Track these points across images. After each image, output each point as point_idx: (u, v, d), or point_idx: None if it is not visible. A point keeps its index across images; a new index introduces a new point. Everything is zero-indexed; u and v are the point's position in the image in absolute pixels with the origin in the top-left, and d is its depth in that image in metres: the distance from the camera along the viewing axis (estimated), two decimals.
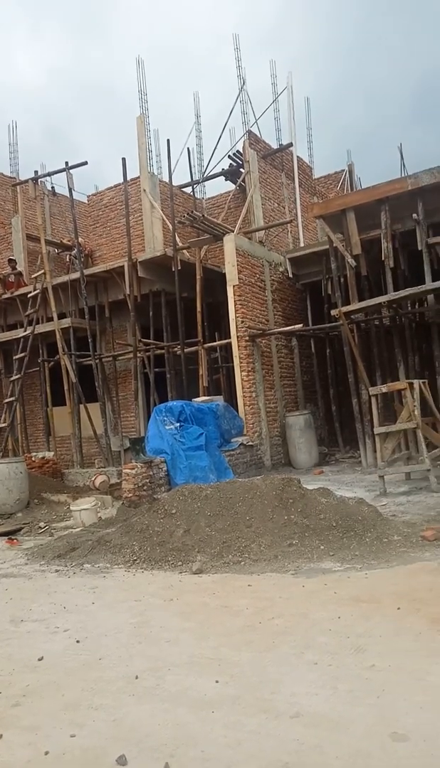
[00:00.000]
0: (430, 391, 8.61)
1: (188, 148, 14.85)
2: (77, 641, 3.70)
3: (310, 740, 2.34)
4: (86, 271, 12.57)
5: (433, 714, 2.44)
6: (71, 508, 8.16)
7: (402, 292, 9.13)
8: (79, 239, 13.17)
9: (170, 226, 11.99)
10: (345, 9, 54.07)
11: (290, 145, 14.71)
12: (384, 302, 9.27)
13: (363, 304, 9.54)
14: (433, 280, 9.41)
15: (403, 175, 11.89)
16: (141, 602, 4.40)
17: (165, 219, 12.50)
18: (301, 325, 11.78)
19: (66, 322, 12.91)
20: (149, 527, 5.91)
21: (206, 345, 11.70)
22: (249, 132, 13.71)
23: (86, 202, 14.88)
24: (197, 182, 14.92)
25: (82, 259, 13.01)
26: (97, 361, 12.68)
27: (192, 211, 11.93)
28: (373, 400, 8.20)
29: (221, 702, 2.74)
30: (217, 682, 2.94)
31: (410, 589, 3.96)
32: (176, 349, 11.96)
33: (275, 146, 14.59)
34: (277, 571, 4.79)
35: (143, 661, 3.29)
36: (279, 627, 3.59)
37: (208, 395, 10.99)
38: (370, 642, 3.21)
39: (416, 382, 7.97)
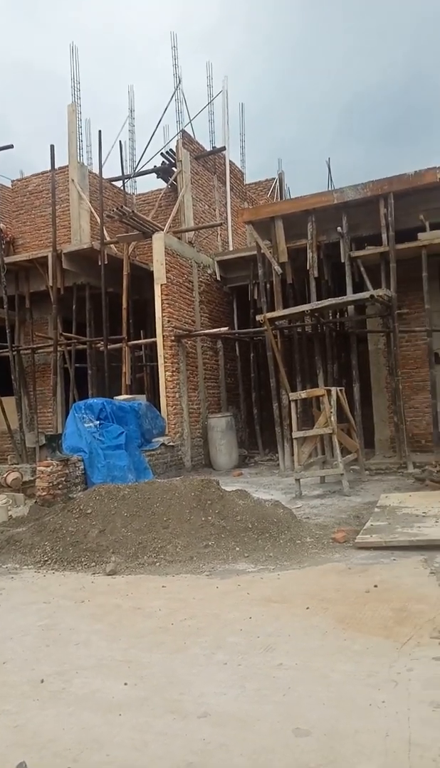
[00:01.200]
0: (347, 398, 8.97)
1: (120, 142, 14.66)
2: None
3: (216, 739, 2.36)
4: (7, 259, 12.05)
5: (335, 709, 2.53)
6: None
7: (325, 302, 9.45)
8: (1, 224, 12.62)
9: (98, 219, 11.75)
10: (283, 25, 55.38)
11: (224, 148, 14.85)
12: (307, 311, 9.55)
13: (287, 311, 9.78)
14: (354, 292, 9.81)
15: (330, 189, 12.32)
16: (51, 604, 4.27)
17: (93, 211, 12.24)
18: (227, 328, 11.92)
19: None
20: (63, 527, 5.75)
21: (130, 342, 11.55)
22: (183, 132, 13.70)
23: (10, 187, 14.27)
24: (128, 177, 14.73)
25: (3, 246, 12.46)
26: (14, 353, 12.18)
27: (122, 206, 11.75)
28: (293, 405, 8.42)
29: (129, 704, 2.71)
30: (126, 684, 2.91)
31: (319, 590, 4.09)
32: (99, 345, 11.73)
33: (208, 148, 14.67)
34: (192, 572, 4.80)
35: (49, 665, 3.20)
36: (191, 628, 3.60)
37: (130, 394, 10.85)
38: (279, 641, 3.29)
39: (334, 390, 8.27)
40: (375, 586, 4.03)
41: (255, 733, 2.39)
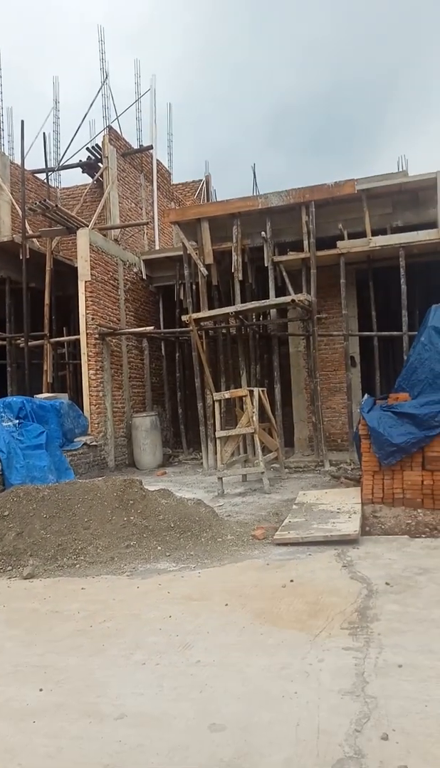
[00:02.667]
0: (268, 398, 9.20)
1: (44, 133, 14.20)
2: None
3: (133, 740, 2.38)
4: None
5: (250, 703, 2.62)
6: None
7: (248, 305, 9.64)
8: None
9: (20, 212, 11.35)
10: (213, 31, 55.76)
11: (151, 147, 14.76)
12: (232, 312, 9.70)
13: (212, 312, 9.89)
14: (277, 296, 10.08)
15: (255, 194, 12.55)
16: None
17: (15, 203, 11.80)
18: (152, 328, 11.86)
19: None
20: None
21: (52, 339, 11.25)
22: (110, 127, 13.49)
23: None
24: (52, 170, 14.31)
25: None
26: None
27: (45, 200, 11.42)
28: (217, 405, 8.53)
29: (44, 710, 2.67)
30: (41, 690, 2.86)
31: (238, 586, 4.19)
32: (19, 341, 11.34)
33: (136, 146, 14.53)
34: (113, 573, 4.77)
35: None
36: (110, 629, 3.58)
37: (52, 392, 10.57)
38: (198, 639, 3.34)
39: (256, 390, 8.46)
40: (292, 580, 4.18)
41: (172, 731, 2.43)
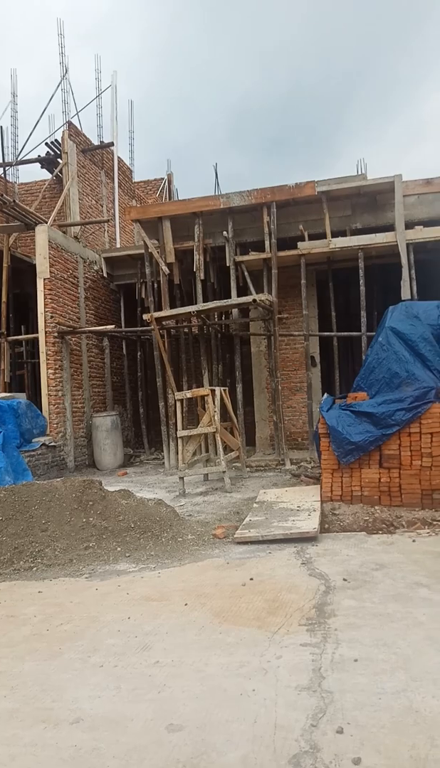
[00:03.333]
0: (230, 397, 9.22)
1: (1, 127, 13.87)
2: None
3: (88, 744, 2.35)
4: None
5: (208, 702, 2.61)
6: None
7: (210, 304, 9.65)
8: None
9: None
10: (174, 30, 55.57)
11: (112, 144, 14.60)
12: (194, 312, 9.69)
13: (174, 311, 9.85)
14: (238, 296, 10.12)
15: (217, 193, 12.57)
16: None
17: None
18: (113, 326, 11.74)
19: None
20: None
21: (10, 338, 11.00)
22: (69, 123, 13.28)
23: None
24: (10, 164, 13.98)
25: None
26: None
27: (2, 195, 11.14)
28: (178, 404, 8.50)
29: None
30: None
31: (198, 585, 4.19)
32: None
33: (96, 142, 14.35)
34: (71, 576, 4.69)
35: None
36: (67, 633, 3.52)
37: (9, 392, 10.33)
38: (156, 639, 3.32)
39: (218, 389, 8.47)
40: (251, 579, 4.20)
41: (128, 734, 2.41)
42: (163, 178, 17.43)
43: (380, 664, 2.85)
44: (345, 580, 4.06)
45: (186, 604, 3.82)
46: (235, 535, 5.32)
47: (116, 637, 3.39)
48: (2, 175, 13.78)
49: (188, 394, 8.58)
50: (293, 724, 2.37)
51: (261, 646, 3.12)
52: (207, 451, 9.89)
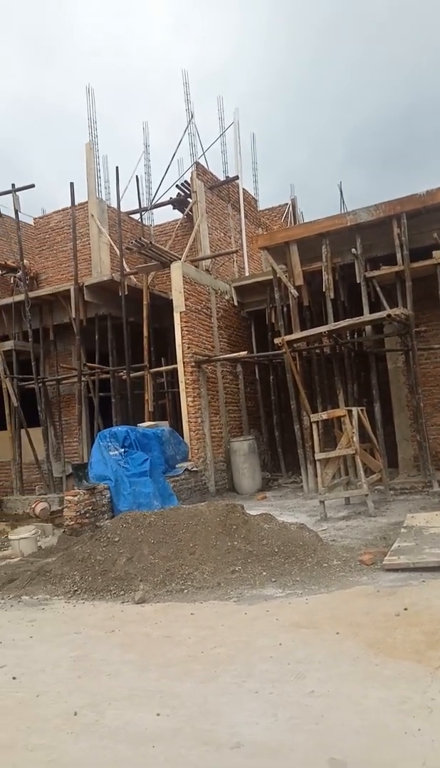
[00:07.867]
0: (368, 417, 8.93)
1: (136, 176, 15.04)
2: (14, 678, 3.57)
3: None
4: (31, 294, 12.38)
5: (369, 738, 2.51)
6: (9, 537, 7.88)
7: (342, 323, 9.49)
8: (25, 261, 12.99)
9: (118, 252, 12.04)
10: (292, 59, 56.76)
11: (237, 177, 15.14)
12: (325, 332, 9.59)
13: (305, 333, 9.83)
14: (371, 312, 9.84)
15: (343, 212, 12.44)
16: (81, 634, 4.30)
17: (113, 244, 12.55)
18: (246, 352, 12.00)
19: (9, 345, 12.62)
20: (91, 556, 5.80)
21: (152, 370, 11.70)
22: (197, 163, 14.04)
23: (33, 224, 14.74)
24: (145, 209, 15.09)
25: (27, 281, 12.82)
26: (40, 384, 12.43)
27: (140, 238, 12.03)
28: (314, 426, 8.41)
29: (162, 735, 2.72)
30: (158, 715, 2.92)
31: (348, 614, 4.06)
32: (121, 373, 11.90)
33: (221, 178, 14.98)
34: (220, 599, 4.80)
35: (82, 697, 3.22)
36: (221, 656, 3.60)
37: (153, 420, 10.95)
38: (310, 668, 3.27)
39: (355, 410, 8.25)
40: (405, 609, 3.99)
41: (289, 764, 2.39)
42: (287, 204, 17.67)
43: None
44: None
45: (337, 633, 3.72)
46: (384, 562, 5.10)
47: (268, 663, 3.39)
48: (139, 220, 14.89)
49: (324, 415, 8.46)
50: None
51: (423, 682, 2.94)
52: (347, 473, 9.62)
